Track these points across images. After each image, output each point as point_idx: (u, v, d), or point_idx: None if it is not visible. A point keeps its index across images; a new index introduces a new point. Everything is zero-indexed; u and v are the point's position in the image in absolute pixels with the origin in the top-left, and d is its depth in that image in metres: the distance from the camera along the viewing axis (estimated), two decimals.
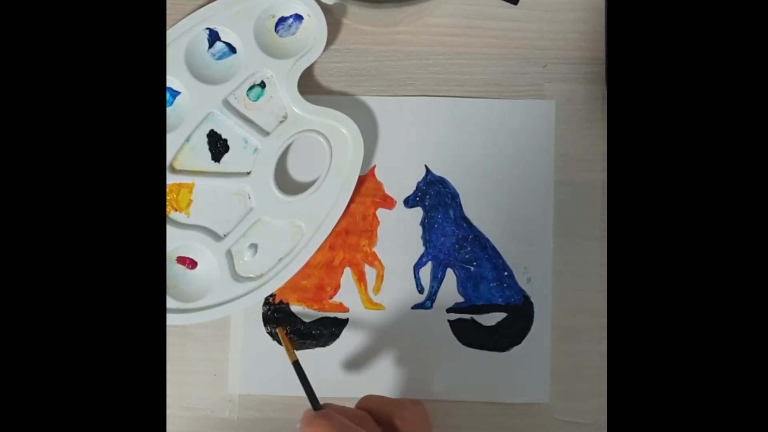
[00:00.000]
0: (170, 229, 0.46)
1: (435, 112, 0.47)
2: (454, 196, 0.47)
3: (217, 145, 0.46)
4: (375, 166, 0.47)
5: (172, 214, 0.46)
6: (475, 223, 0.47)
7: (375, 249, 0.47)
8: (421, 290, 0.46)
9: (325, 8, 0.45)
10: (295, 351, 0.43)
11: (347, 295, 0.46)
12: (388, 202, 0.47)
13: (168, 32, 0.46)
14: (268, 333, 0.46)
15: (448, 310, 0.46)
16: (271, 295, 0.46)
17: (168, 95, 0.47)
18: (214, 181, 0.46)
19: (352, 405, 0.40)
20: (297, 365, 0.42)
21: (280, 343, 0.45)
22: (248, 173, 0.46)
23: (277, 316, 0.46)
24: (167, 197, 0.46)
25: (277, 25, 0.47)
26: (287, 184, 0.47)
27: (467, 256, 0.47)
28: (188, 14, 0.46)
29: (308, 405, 0.39)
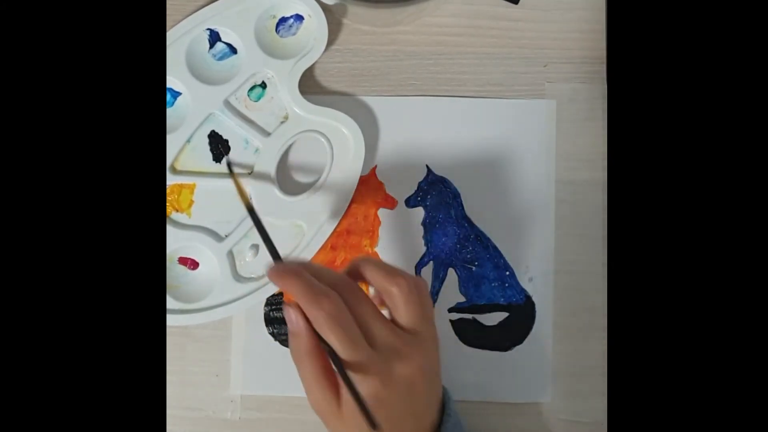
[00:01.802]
0: (172, 230, 0.46)
1: (436, 112, 0.47)
2: (456, 195, 0.47)
3: (219, 146, 0.46)
4: (376, 167, 0.47)
5: (173, 214, 0.46)
6: (476, 222, 0.47)
7: (376, 249, 0.47)
8: None
9: (325, 8, 0.46)
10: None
11: None
12: (389, 202, 0.47)
13: (168, 33, 0.46)
14: (269, 333, 0.46)
15: (450, 310, 0.46)
16: (272, 295, 0.46)
17: (169, 96, 0.47)
18: (216, 182, 0.46)
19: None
20: (252, 212, 0.38)
21: (282, 344, 0.46)
22: (249, 173, 0.46)
23: (278, 316, 0.46)
24: (169, 198, 0.46)
25: (277, 25, 0.47)
26: (288, 184, 0.47)
27: (469, 256, 0.47)
28: (189, 15, 0.46)
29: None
